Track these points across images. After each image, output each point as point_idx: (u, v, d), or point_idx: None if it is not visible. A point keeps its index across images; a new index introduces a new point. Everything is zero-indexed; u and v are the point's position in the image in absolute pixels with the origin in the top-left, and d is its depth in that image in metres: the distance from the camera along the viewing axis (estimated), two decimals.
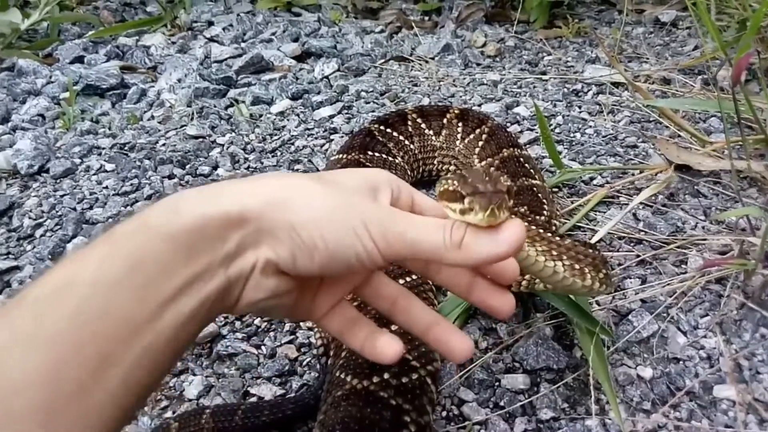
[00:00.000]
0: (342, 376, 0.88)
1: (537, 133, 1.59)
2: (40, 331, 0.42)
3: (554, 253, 0.77)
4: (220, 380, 1.01)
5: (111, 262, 0.47)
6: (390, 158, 1.37)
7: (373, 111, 1.79)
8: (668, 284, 1.07)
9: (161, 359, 0.48)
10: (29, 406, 0.40)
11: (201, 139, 1.68)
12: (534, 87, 1.90)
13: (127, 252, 0.48)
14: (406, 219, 0.56)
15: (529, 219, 1.09)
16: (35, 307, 0.44)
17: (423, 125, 1.44)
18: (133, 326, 0.45)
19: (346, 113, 1.80)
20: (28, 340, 0.42)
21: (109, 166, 1.58)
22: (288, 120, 1.79)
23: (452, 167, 1.41)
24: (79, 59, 2.24)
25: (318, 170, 1.51)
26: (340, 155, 1.35)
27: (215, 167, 1.55)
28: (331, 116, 1.78)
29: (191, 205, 0.52)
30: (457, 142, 1.41)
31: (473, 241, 0.53)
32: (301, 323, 1.10)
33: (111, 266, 0.46)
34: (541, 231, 0.78)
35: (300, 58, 2.22)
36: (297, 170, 1.53)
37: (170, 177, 1.51)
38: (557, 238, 0.79)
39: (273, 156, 1.60)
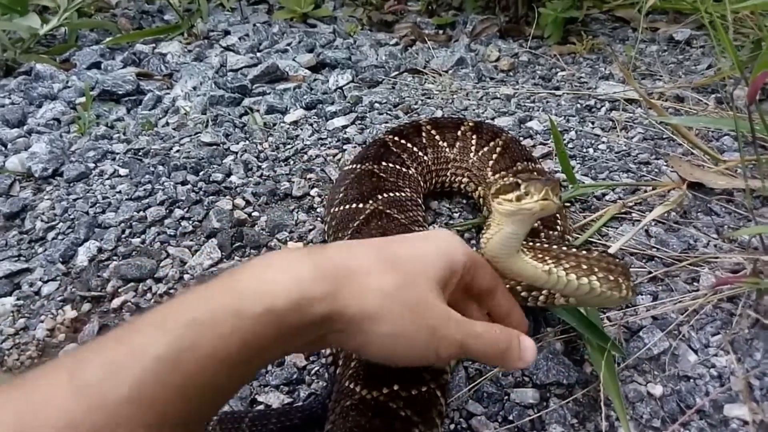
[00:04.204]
0: (351, 386, 0.88)
1: (550, 147, 1.59)
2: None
3: (584, 267, 0.75)
4: None
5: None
6: (404, 169, 1.37)
7: (386, 122, 1.79)
8: (680, 302, 1.06)
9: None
10: None
11: (215, 147, 1.69)
12: (547, 102, 1.90)
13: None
14: (467, 330, 0.65)
15: (543, 234, 1.09)
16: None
17: (437, 137, 1.44)
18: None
19: (359, 124, 1.81)
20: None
21: (122, 171, 1.60)
22: (301, 129, 1.79)
23: (465, 179, 1.41)
24: (96, 65, 2.26)
25: (330, 179, 1.52)
26: (355, 165, 1.35)
27: (228, 174, 1.56)
28: (344, 126, 1.79)
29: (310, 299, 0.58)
30: (471, 155, 1.41)
31: (524, 353, 0.68)
32: None
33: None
34: (565, 248, 0.77)
35: (315, 68, 2.23)
36: (309, 179, 1.53)
37: (183, 183, 1.51)
38: (584, 252, 0.77)
39: (286, 165, 1.61)
